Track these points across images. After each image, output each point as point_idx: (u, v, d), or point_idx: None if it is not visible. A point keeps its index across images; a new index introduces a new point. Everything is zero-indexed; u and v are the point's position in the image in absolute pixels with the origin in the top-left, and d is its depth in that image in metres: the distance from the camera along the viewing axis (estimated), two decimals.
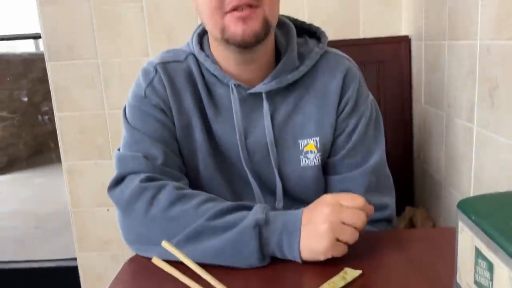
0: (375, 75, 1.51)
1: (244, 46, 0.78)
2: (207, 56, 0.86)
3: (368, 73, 1.48)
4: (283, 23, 0.90)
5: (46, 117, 4.50)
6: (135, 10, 1.58)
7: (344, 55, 0.92)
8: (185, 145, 0.88)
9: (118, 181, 0.83)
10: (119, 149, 0.87)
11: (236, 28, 0.76)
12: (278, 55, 0.88)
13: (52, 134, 1.83)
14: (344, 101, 0.88)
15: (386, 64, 1.52)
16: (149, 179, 0.79)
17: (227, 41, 0.78)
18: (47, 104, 4.45)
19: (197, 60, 0.88)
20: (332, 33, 0.87)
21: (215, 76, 0.86)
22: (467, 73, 1.05)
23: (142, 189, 0.78)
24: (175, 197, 0.76)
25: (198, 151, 0.88)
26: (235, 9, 0.75)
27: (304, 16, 1.55)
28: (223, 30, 0.78)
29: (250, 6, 0.75)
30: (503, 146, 0.91)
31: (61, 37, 1.61)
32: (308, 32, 0.93)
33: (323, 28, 0.93)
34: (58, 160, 1.77)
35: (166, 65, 0.88)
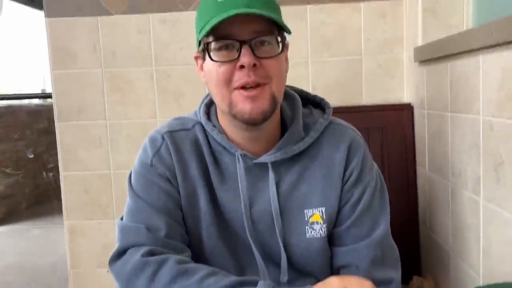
0: (378, 140, 1.54)
1: (252, 123, 0.81)
2: (214, 126, 0.88)
3: (371, 139, 1.51)
4: (288, 94, 0.92)
5: (51, 174, 4.50)
6: (146, 75, 1.63)
7: (349, 125, 0.94)
8: (189, 214, 0.88)
9: (120, 254, 0.82)
10: (122, 218, 0.87)
11: (244, 105, 0.79)
12: (283, 125, 0.90)
13: (54, 184, 1.83)
14: (349, 171, 0.88)
15: (389, 130, 1.54)
16: (151, 253, 0.79)
17: (234, 116, 0.81)
18: (50, 154, 4.47)
19: (204, 129, 0.90)
20: (335, 100, 0.90)
21: (221, 145, 0.88)
22: (471, 146, 1.07)
23: (144, 264, 0.77)
24: (177, 273, 0.75)
25: (202, 219, 0.88)
26: (243, 86, 0.78)
27: (308, 83, 1.60)
28: (230, 105, 0.80)
29: (258, 84, 0.78)
30: (509, 221, 0.91)
31: (72, 99, 1.66)
32: (313, 102, 0.95)
33: (327, 94, 0.96)
34: (59, 211, 1.76)
35: (173, 134, 0.89)
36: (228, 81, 0.78)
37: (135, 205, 0.86)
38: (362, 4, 1.57)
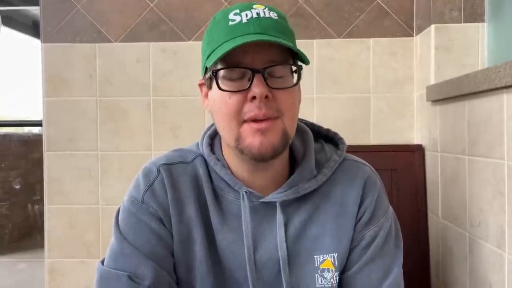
0: (387, 183, 1.43)
1: (260, 159, 0.72)
2: (218, 159, 0.80)
3: None
4: (299, 127, 0.84)
5: (36, 206, 4.38)
6: (142, 105, 1.55)
7: (365, 162, 0.86)
8: (182, 261, 0.78)
9: None
10: (102, 262, 0.77)
11: (254, 139, 0.70)
12: (292, 160, 0.82)
13: (40, 217, 1.70)
14: (362, 209, 0.80)
15: (398, 172, 1.45)
16: None
17: (241, 151, 0.72)
18: (42, 185, 4.35)
19: (205, 163, 0.81)
20: None
21: (224, 181, 0.79)
22: (494, 193, 0.97)
23: None
24: None
25: (196, 268, 0.77)
26: (253, 119, 0.70)
27: (313, 120, 1.50)
28: (238, 139, 0.72)
29: (269, 118, 0.70)
30: None
31: (63, 128, 1.57)
32: (325, 136, 0.88)
33: None
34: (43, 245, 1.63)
35: (170, 167, 0.80)
36: (237, 113, 0.71)
37: (120, 248, 0.76)
38: (371, 41, 1.51)
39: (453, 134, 1.19)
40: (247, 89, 0.69)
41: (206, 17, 1.54)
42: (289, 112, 0.72)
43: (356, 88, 1.52)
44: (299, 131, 0.84)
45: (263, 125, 0.70)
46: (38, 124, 1.79)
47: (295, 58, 0.75)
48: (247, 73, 0.70)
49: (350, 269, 0.80)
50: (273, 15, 0.73)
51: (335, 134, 0.87)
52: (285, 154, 0.80)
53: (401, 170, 1.44)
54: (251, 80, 0.69)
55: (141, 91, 1.55)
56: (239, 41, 0.67)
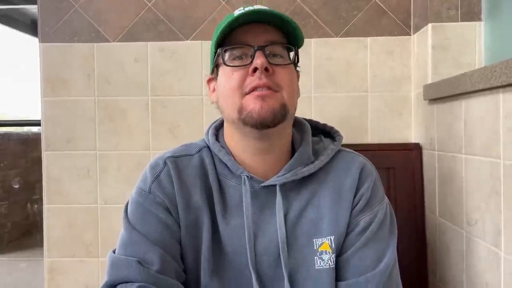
0: (384, 181, 1.43)
1: (261, 123, 0.76)
2: (222, 147, 0.84)
3: None
4: (297, 120, 0.90)
5: (35, 206, 4.38)
6: (140, 104, 1.56)
7: (360, 154, 0.90)
8: (190, 247, 0.82)
9: None
10: (114, 251, 0.81)
11: (255, 105, 0.75)
12: (294, 152, 0.86)
13: (39, 216, 1.71)
14: (358, 196, 0.83)
15: (396, 171, 1.45)
16: None
17: (244, 121, 0.77)
18: (41, 184, 4.35)
19: (211, 153, 0.86)
20: None
21: (227, 168, 0.83)
22: (490, 192, 0.97)
23: None
24: None
25: (202, 252, 0.81)
26: (254, 89, 0.76)
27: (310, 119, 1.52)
28: (241, 110, 0.77)
29: (269, 88, 0.76)
30: None
31: (61, 128, 1.57)
32: (323, 131, 0.93)
33: None
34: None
35: (176, 159, 0.85)
36: (240, 86, 0.77)
37: (129, 237, 0.80)
38: (369, 39, 1.52)
39: (450, 133, 1.20)
40: (249, 64, 0.76)
41: (204, 16, 1.54)
42: (288, 88, 0.78)
43: (353, 87, 1.53)
44: (298, 124, 0.89)
45: (263, 92, 0.75)
46: (37, 123, 1.79)
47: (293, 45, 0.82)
48: (249, 51, 0.77)
49: (345, 252, 0.83)
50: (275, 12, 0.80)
51: (332, 128, 0.93)
52: (286, 140, 0.84)
53: (399, 168, 1.45)
54: (253, 57, 0.76)
55: (140, 91, 1.56)
56: (239, 15, 0.75)
